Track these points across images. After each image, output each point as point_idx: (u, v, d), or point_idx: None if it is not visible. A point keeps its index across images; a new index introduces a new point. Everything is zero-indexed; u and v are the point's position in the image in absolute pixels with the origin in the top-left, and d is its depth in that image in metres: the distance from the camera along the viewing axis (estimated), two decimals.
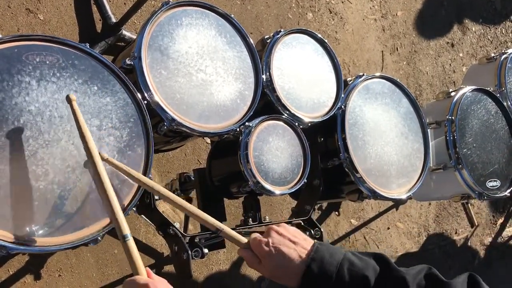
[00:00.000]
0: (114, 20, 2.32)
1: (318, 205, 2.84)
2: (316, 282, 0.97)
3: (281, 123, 1.55)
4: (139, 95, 1.29)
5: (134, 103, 1.30)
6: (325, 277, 0.96)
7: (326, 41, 1.73)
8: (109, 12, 2.35)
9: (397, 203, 3.18)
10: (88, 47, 1.25)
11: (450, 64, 3.77)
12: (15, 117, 1.12)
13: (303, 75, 1.68)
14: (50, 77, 1.18)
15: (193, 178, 1.73)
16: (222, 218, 1.63)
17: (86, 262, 2.14)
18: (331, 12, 3.22)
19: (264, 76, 1.56)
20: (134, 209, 2.01)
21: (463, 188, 2.05)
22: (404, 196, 1.79)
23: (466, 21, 3.93)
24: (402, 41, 3.56)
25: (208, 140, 2.45)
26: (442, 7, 3.84)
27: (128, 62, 1.34)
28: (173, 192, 1.82)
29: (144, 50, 1.34)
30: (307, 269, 0.97)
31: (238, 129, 1.46)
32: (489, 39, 4.05)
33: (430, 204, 3.39)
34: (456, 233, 3.49)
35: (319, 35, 1.74)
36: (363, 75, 1.82)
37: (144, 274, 0.94)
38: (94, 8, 2.32)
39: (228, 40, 1.52)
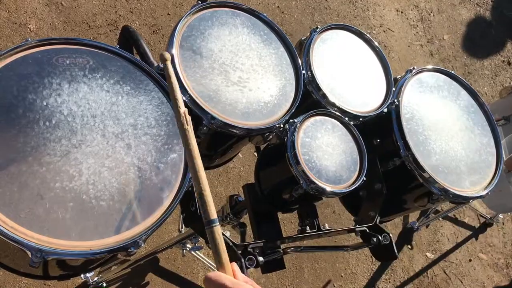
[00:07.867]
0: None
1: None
2: None
3: (329, 118, 1.44)
4: None
5: (169, 102, 1.24)
6: None
7: (365, 32, 1.64)
8: (152, 59, 2.39)
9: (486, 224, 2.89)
10: (118, 48, 1.23)
11: (510, 82, 3.54)
12: (46, 117, 1.08)
13: (347, 71, 1.58)
14: (81, 78, 1.15)
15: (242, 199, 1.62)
16: (278, 235, 1.48)
17: None
18: None
19: (305, 73, 1.47)
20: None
21: None
22: (483, 193, 1.58)
23: None
24: (453, 64, 3.41)
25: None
26: (491, 27, 3.69)
27: (161, 65, 1.30)
28: (225, 217, 1.71)
29: (176, 50, 1.30)
30: None
31: (282, 127, 1.36)
32: None
33: None
34: None
35: (356, 27, 1.65)
36: (413, 68, 1.70)
37: (229, 271, 0.76)
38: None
39: (262, 38, 1.46)
